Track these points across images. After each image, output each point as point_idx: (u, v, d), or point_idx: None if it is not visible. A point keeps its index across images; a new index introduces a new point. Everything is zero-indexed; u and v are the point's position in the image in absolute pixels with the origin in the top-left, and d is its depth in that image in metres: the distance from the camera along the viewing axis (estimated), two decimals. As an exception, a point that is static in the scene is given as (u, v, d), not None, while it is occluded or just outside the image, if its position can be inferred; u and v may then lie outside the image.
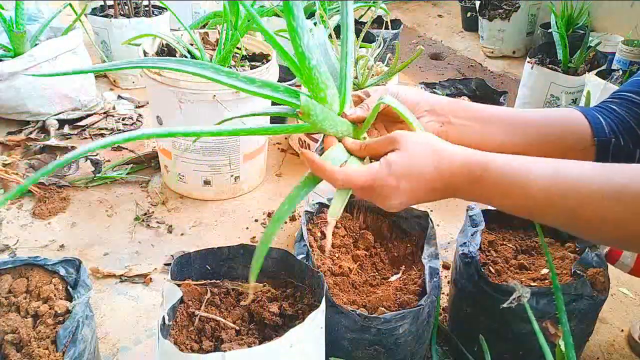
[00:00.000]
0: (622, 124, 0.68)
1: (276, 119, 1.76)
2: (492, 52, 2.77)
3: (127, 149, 1.65)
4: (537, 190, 0.54)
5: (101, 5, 2.10)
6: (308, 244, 0.84)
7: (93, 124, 1.75)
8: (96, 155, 1.49)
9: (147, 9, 2.08)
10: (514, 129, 0.69)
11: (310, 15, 2.02)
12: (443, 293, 1.10)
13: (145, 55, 1.34)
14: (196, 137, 0.68)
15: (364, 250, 0.91)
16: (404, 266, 0.88)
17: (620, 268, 0.91)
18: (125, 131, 1.72)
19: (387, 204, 0.59)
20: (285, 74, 1.79)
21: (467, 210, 0.97)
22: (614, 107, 0.70)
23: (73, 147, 1.52)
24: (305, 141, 1.62)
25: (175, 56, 1.40)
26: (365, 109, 0.64)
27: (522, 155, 0.57)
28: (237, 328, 0.73)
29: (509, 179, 0.56)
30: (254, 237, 1.30)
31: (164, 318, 0.69)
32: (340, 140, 0.64)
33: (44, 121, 1.69)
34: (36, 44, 1.69)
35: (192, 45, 1.42)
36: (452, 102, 0.70)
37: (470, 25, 3.08)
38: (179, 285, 0.75)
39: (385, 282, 0.87)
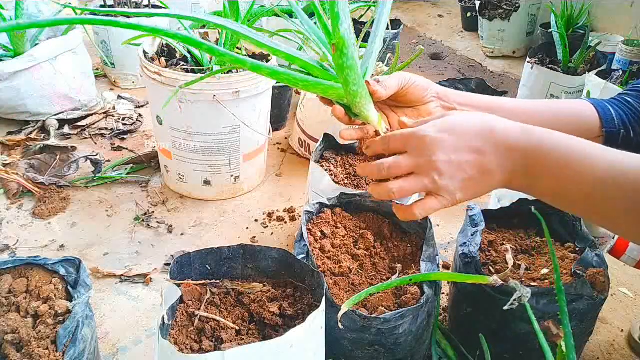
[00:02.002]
0: (634, 115, 0.68)
1: (276, 118, 1.76)
2: (492, 52, 2.77)
3: (127, 149, 1.65)
4: (603, 160, 0.51)
5: (101, 5, 2.10)
6: (308, 244, 0.84)
7: (93, 124, 1.75)
8: (96, 155, 1.49)
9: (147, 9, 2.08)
10: (519, 118, 0.69)
11: (310, 15, 2.02)
12: (443, 293, 1.10)
13: (145, 56, 1.34)
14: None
15: (364, 250, 0.91)
16: (401, 266, 0.88)
17: (626, 262, 0.91)
18: (125, 131, 1.73)
19: (435, 163, 0.54)
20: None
21: (467, 210, 0.97)
22: (628, 99, 0.70)
23: (73, 147, 1.52)
24: (305, 141, 1.62)
25: (175, 56, 1.40)
26: (384, 87, 0.65)
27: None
28: (237, 328, 0.73)
29: (574, 145, 0.52)
30: (254, 237, 1.30)
31: (163, 318, 0.69)
32: (347, 108, 0.65)
33: (44, 121, 1.69)
34: (36, 44, 1.69)
35: (192, 45, 1.42)
36: (460, 92, 0.71)
37: (470, 25, 3.08)
38: (178, 286, 0.75)
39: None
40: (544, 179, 0.53)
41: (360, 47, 1.54)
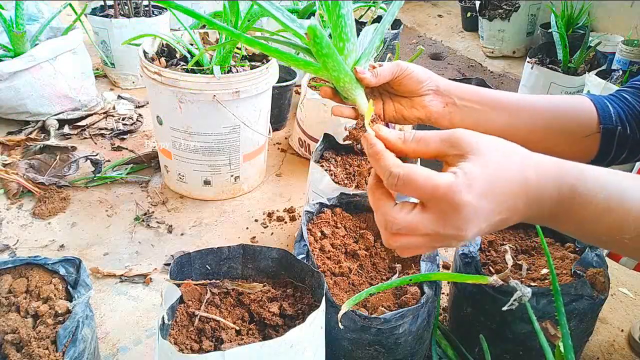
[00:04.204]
0: (632, 112, 0.68)
1: (276, 118, 1.76)
2: (492, 52, 2.77)
3: (127, 149, 1.65)
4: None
5: (101, 5, 2.10)
6: (308, 244, 0.84)
7: (93, 124, 1.75)
8: (96, 155, 1.49)
9: (147, 8, 2.08)
10: (519, 114, 0.69)
11: (310, 15, 2.02)
12: (443, 293, 1.10)
13: (145, 56, 1.34)
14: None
15: (364, 250, 0.91)
16: (401, 266, 0.88)
17: (625, 265, 0.91)
18: (125, 131, 1.73)
19: (462, 237, 0.44)
20: (285, 74, 1.79)
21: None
22: (626, 95, 0.70)
23: (73, 147, 1.52)
24: (305, 141, 1.62)
25: (175, 56, 1.40)
26: (374, 75, 0.65)
27: (612, 170, 0.48)
28: (237, 328, 0.73)
29: (607, 192, 0.45)
30: (254, 237, 1.30)
31: (163, 318, 0.69)
32: (347, 100, 0.65)
33: (44, 121, 1.69)
34: (36, 44, 1.69)
35: (192, 45, 1.42)
36: (459, 84, 0.71)
37: (470, 25, 3.08)
38: (178, 286, 0.75)
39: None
40: (574, 226, 0.48)
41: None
